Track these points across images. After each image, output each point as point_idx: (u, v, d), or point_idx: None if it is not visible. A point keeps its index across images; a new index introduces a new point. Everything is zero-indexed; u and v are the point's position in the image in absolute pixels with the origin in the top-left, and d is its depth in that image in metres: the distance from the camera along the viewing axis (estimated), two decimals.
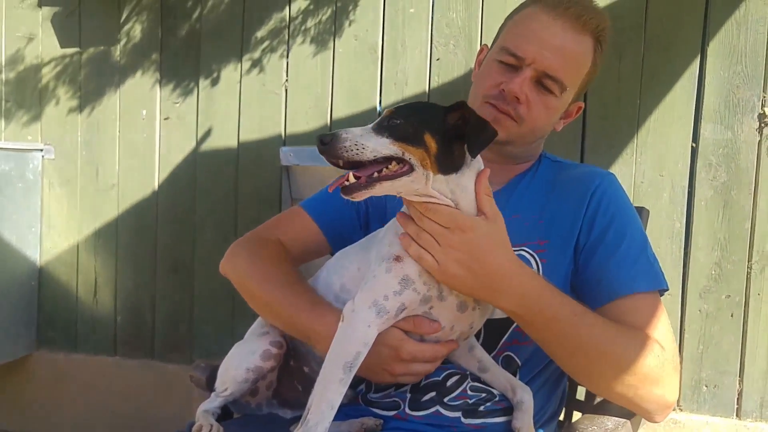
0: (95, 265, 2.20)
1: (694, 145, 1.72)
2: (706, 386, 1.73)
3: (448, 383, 0.91)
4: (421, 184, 0.77)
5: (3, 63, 2.24)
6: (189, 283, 2.10)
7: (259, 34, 2.01)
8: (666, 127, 1.74)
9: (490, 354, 0.93)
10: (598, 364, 0.83)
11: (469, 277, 0.78)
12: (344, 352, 0.78)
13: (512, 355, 0.93)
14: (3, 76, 2.23)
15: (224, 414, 0.98)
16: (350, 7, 1.93)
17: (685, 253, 1.73)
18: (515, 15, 0.99)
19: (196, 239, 2.09)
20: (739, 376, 1.71)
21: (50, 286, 2.24)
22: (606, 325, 0.84)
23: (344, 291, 0.90)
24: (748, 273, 1.69)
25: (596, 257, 0.91)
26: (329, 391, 0.76)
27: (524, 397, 0.88)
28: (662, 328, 0.88)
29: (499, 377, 0.90)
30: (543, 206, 0.97)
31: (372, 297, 0.80)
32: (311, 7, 1.96)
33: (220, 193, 2.06)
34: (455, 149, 0.78)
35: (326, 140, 0.73)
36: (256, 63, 2.03)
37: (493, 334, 0.93)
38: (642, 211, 1.11)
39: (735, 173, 1.69)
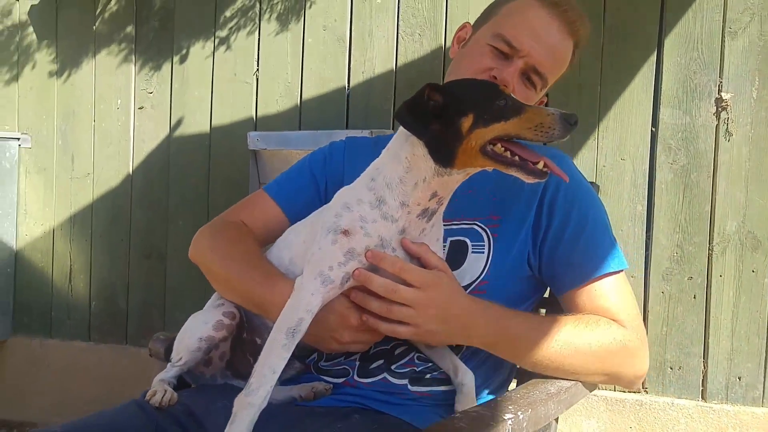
0: (70, 252, 2.15)
1: (653, 129, 1.68)
2: (671, 368, 1.67)
3: (396, 352, 0.88)
4: None
5: None
6: (162, 268, 2.04)
7: (230, 23, 1.98)
8: (626, 112, 1.69)
9: None
10: (567, 365, 0.83)
11: (444, 329, 0.79)
12: (288, 319, 0.76)
13: None
14: None
15: (181, 386, 0.94)
16: None
17: (647, 236, 1.68)
18: (511, 1, 0.96)
19: (169, 225, 2.03)
20: (704, 358, 1.64)
21: (26, 273, 2.18)
22: (565, 327, 0.83)
23: (293, 264, 0.88)
24: (710, 255, 1.64)
25: (563, 242, 0.88)
26: (272, 356, 0.75)
27: (465, 379, 0.84)
28: (628, 306, 0.87)
29: (444, 357, 0.86)
30: (497, 183, 0.93)
31: (318, 268, 0.78)
32: None
33: (193, 180, 2.00)
34: None
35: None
36: (228, 53, 1.98)
37: None
38: (594, 186, 1.07)
39: (694, 156, 1.64)
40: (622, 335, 0.84)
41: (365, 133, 1.57)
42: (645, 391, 1.70)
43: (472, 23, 1.02)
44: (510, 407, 0.74)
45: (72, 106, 2.14)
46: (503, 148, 0.73)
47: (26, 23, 2.17)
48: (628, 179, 1.70)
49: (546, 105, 1.04)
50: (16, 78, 2.19)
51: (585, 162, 1.72)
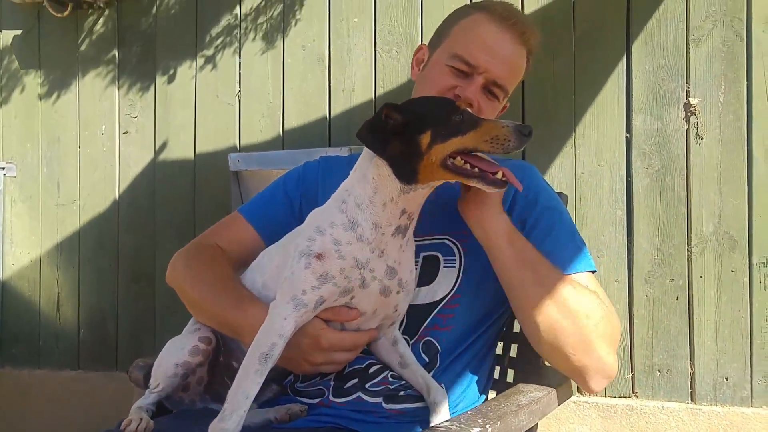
0: (57, 279, 2.13)
1: (628, 135, 1.71)
2: (659, 371, 1.68)
3: (371, 370, 0.88)
4: None
5: None
6: (150, 292, 2.03)
7: (211, 46, 2.00)
8: (601, 119, 1.72)
9: (411, 339, 0.90)
10: (555, 308, 0.82)
11: None
12: (261, 344, 0.77)
13: (432, 340, 0.90)
14: None
15: (161, 411, 0.93)
16: (297, 19, 1.92)
17: (628, 240, 1.70)
18: (461, 20, 0.98)
19: (157, 249, 2.02)
20: (690, 360, 1.65)
21: (13, 303, 2.16)
22: (562, 277, 0.84)
23: (265, 288, 0.89)
24: (689, 256, 1.66)
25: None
26: (245, 381, 0.76)
27: (438, 398, 0.85)
28: (604, 296, 0.88)
29: (417, 376, 0.87)
30: None
31: (291, 292, 0.79)
32: (261, 17, 1.96)
33: (179, 203, 2.01)
34: None
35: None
36: (210, 75, 2.00)
37: (414, 319, 0.91)
38: (562, 197, 1.09)
39: (668, 161, 1.67)
40: (614, 316, 0.85)
41: (343, 151, 1.59)
42: (635, 395, 1.70)
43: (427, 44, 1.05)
44: (479, 420, 0.74)
45: (57, 133, 2.15)
46: (463, 161, 0.75)
47: (9, 50, 2.18)
48: (606, 185, 1.72)
49: (504, 110, 1.06)
50: (0, 105, 2.21)
51: (563, 169, 1.75)
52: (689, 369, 1.66)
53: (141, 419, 0.87)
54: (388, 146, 0.76)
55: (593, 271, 0.91)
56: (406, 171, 0.76)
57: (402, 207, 0.79)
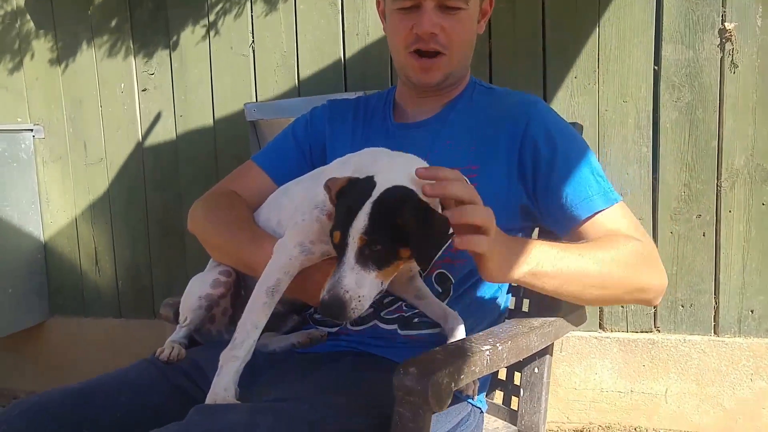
0: (93, 235, 2.20)
1: (656, 67, 1.63)
2: (682, 306, 1.67)
3: (385, 301, 0.90)
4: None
5: None
6: (181, 245, 2.08)
7: None
8: (626, 52, 1.62)
9: (423, 272, 0.90)
10: (602, 287, 0.82)
11: (508, 247, 0.74)
12: (267, 279, 0.80)
13: (446, 272, 0.91)
14: None
15: (193, 345, 0.97)
16: None
17: (653, 178, 1.65)
18: None
19: (183, 203, 2.05)
20: (715, 294, 1.63)
21: (56, 258, 2.24)
22: (590, 248, 0.82)
23: (280, 227, 0.90)
24: (718, 191, 1.60)
25: (552, 187, 0.88)
26: (254, 312, 0.79)
27: (454, 324, 0.86)
28: (635, 225, 0.88)
29: (433, 305, 0.89)
30: (476, 133, 0.93)
31: (299, 238, 0.81)
32: None
33: (202, 156, 2.01)
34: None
35: (337, 314, 0.68)
36: (223, 27, 1.95)
37: None
38: (576, 126, 1.04)
39: (699, 92, 1.59)
40: (641, 246, 0.85)
41: (359, 95, 1.55)
42: (657, 330, 1.70)
43: None
44: (490, 339, 0.75)
45: (78, 94, 2.15)
46: None
47: (22, 11, 2.16)
48: (631, 122, 1.65)
49: (492, 4, 0.99)
50: (19, 66, 2.20)
51: (584, 107, 1.68)
52: (713, 303, 1.64)
53: (173, 348, 0.92)
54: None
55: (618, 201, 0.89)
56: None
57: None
